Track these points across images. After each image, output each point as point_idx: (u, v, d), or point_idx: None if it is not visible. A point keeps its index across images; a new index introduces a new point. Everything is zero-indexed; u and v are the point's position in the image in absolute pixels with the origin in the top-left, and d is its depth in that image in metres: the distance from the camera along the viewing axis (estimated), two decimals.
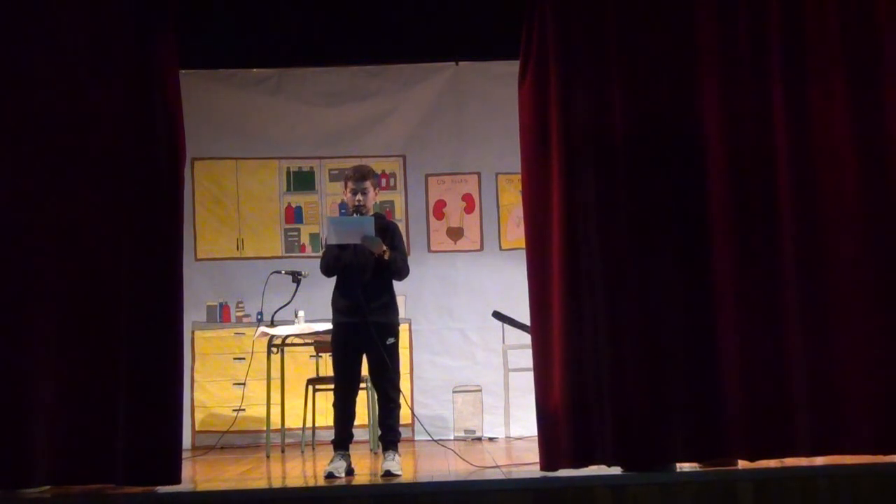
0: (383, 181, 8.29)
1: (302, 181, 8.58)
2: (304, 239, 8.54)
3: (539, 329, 4.78)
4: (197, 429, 8.06)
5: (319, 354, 7.77)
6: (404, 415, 5.76)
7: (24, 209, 4.64)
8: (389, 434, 5.43)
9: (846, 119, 4.80)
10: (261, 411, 7.51)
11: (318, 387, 7.38)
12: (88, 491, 4.57)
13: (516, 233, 8.24)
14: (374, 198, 5.62)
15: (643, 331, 4.66)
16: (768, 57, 4.82)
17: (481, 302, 8.19)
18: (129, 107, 4.75)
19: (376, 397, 5.69)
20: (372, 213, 5.62)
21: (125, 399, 4.55)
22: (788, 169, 4.76)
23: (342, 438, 5.42)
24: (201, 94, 8.14)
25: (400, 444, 5.46)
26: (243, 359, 7.90)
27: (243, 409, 7.88)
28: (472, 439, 7.89)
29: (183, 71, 4.96)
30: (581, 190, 4.75)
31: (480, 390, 8.08)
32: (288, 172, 8.58)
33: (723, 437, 4.61)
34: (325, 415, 6.87)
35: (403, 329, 7.10)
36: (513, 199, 8.35)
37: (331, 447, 5.47)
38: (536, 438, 4.75)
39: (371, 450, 6.96)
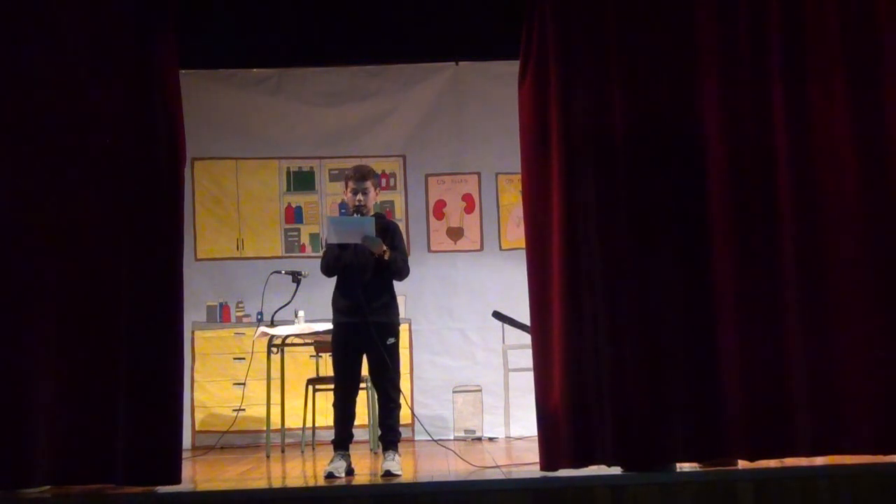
0: (383, 181, 8.29)
1: (302, 181, 8.58)
2: (304, 239, 8.54)
3: (539, 329, 4.78)
4: (197, 429, 8.07)
5: (319, 354, 7.77)
6: (404, 415, 5.76)
7: (24, 209, 4.64)
8: (389, 434, 5.43)
9: (846, 119, 4.80)
10: (261, 411, 7.51)
11: (318, 387, 7.38)
12: (88, 491, 4.57)
13: (516, 233, 8.25)
14: (374, 198, 5.62)
15: (643, 331, 4.66)
16: (768, 57, 4.82)
17: (481, 302, 8.19)
18: (129, 107, 4.75)
19: (376, 397, 5.69)
20: (372, 213, 5.62)
21: (125, 399, 4.55)
22: (788, 169, 4.75)
23: (342, 438, 5.42)
24: (201, 94, 8.14)
25: (400, 444, 5.46)
26: (243, 359, 7.90)
27: (243, 409, 7.89)
28: (472, 439, 7.89)
29: (183, 71, 4.96)
30: (581, 190, 4.75)
31: (480, 390, 8.08)
32: (288, 172, 8.58)
33: (723, 437, 4.61)
34: (325, 415, 6.87)
35: (403, 329, 7.10)
36: (513, 199, 8.35)
37: (331, 447, 5.47)
38: (536, 438, 4.75)
39: (371, 450, 6.96)
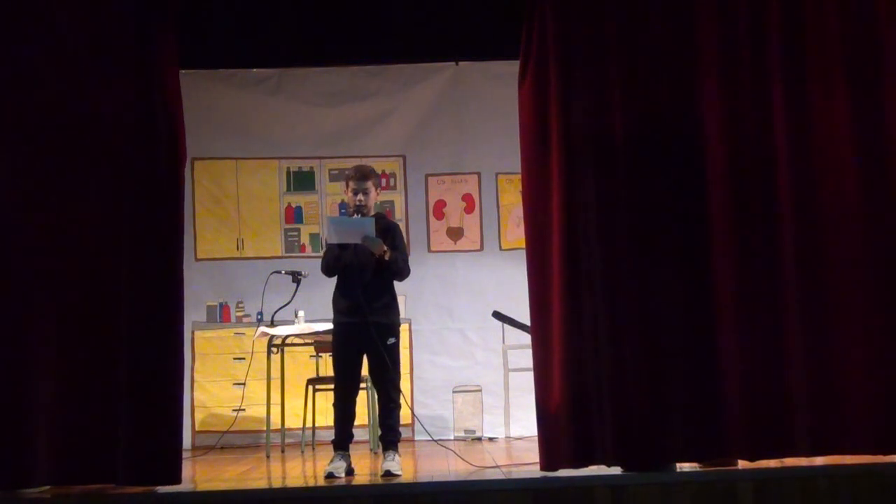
0: (383, 181, 8.29)
1: (302, 181, 8.58)
2: (304, 239, 8.54)
3: (539, 329, 4.78)
4: (197, 429, 8.06)
5: (319, 354, 7.77)
6: (404, 415, 5.76)
7: (24, 209, 4.64)
8: (390, 434, 5.43)
9: (846, 119, 4.80)
10: (261, 411, 7.51)
11: (318, 387, 7.38)
12: (88, 491, 4.57)
13: (516, 233, 8.25)
14: (375, 198, 5.62)
15: (643, 331, 4.66)
16: (768, 57, 4.82)
17: (481, 302, 8.19)
18: (129, 107, 4.75)
19: (377, 397, 5.69)
20: (373, 213, 5.62)
21: (125, 399, 4.55)
22: (788, 169, 4.75)
23: (342, 438, 5.42)
24: (201, 94, 8.14)
25: (400, 444, 5.46)
26: (243, 359, 7.89)
27: (243, 409, 7.88)
28: (472, 439, 7.89)
29: (183, 71, 4.96)
30: (581, 190, 4.75)
31: (480, 390, 8.08)
32: (288, 172, 8.58)
33: (723, 437, 4.61)
34: (325, 415, 6.87)
35: (403, 329, 7.10)
36: (513, 199, 8.35)
37: (331, 447, 5.46)
38: (536, 438, 4.75)
39: (371, 450, 6.96)
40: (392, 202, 8.53)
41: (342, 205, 8.37)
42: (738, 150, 4.77)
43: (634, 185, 4.75)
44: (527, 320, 4.99)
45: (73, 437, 4.54)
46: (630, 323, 4.67)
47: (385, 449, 5.40)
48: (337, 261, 5.52)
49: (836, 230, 4.74)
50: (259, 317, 7.80)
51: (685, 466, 4.74)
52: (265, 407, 7.14)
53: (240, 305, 8.34)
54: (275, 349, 7.27)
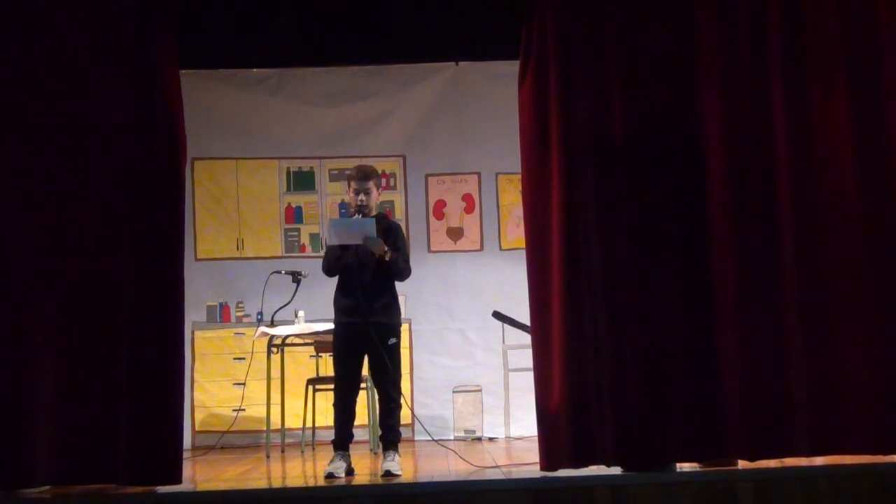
0: (383, 181, 8.29)
1: (302, 181, 8.58)
2: (304, 239, 8.54)
3: (539, 329, 4.78)
4: (197, 429, 8.06)
5: (319, 354, 7.77)
6: (404, 415, 5.76)
7: (24, 209, 4.64)
8: (390, 434, 5.43)
9: (846, 119, 4.80)
10: (261, 411, 7.51)
11: (318, 387, 7.39)
12: (88, 491, 4.57)
13: (516, 233, 8.25)
14: (376, 198, 5.63)
15: (643, 331, 4.66)
16: (768, 57, 4.82)
17: (481, 302, 8.19)
18: (129, 107, 4.75)
19: (377, 397, 5.69)
20: (375, 213, 5.63)
21: (126, 399, 4.55)
22: (788, 169, 4.75)
23: (342, 438, 5.42)
24: (201, 94, 8.14)
25: (400, 445, 5.46)
26: (243, 359, 7.90)
27: (243, 409, 7.88)
28: (472, 439, 7.89)
29: (183, 71, 4.96)
30: (581, 190, 4.75)
31: (480, 390, 8.08)
32: (288, 172, 8.58)
33: (723, 437, 4.61)
34: (325, 415, 6.87)
35: (403, 329, 7.10)
36: (513, 199, 8.35)
37: (331, 447, 5.47)
38: (536, 438, 4.75)
39: (371, 450, 6.96)
40: (392, 202, 8.53)
41: (342, 205, 8.38)
42: (738, 150, 4.77)
43: (634, 185, 4.75)
44: (527, 320, 4.99)
45: (73, 437, 4.53)
46: (630, 323, 4.67)
47: (385, 449, 5.40)
48: (338, 261, 5.52)
49: (836, 230, 4.74)
50: (259, 317, 7.80)
51: (685, 466, 4.74)
52: (265, 407, 7.14)
53: (240, 305, 8.34)
54: (275, 349, 7.28)
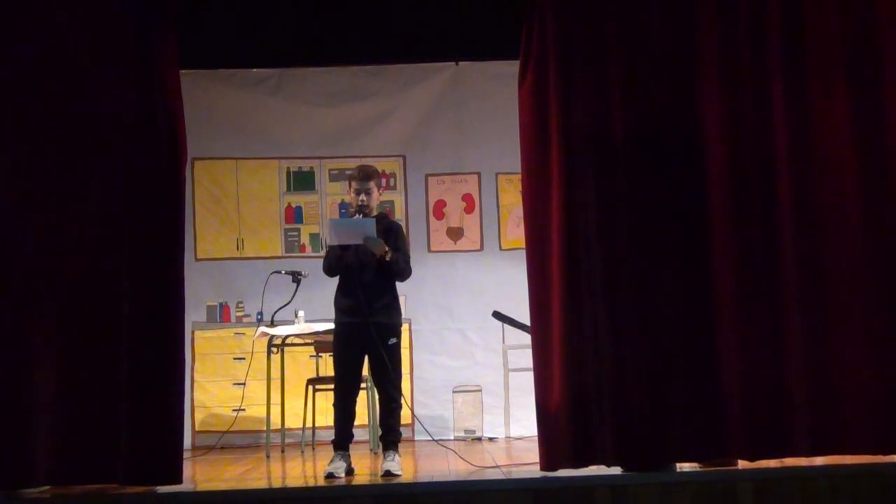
0: (383, 181, 8.29)
1: (302, 181, 8.58)
2: (304, 239, 8.54)
3: (539, 329, 4.78)
4: (197, 429, 8.06)
5: (319, 354, 7.77)
6: (404, 415, 5.76)
7: (24, 209, 4.64)
8: (390, 434, 5.43)
9: (846, 119, 4.80)
10: (261, 411, 7.51)
11: (318, 387, 7.39)
12: (88, 491, 4.57)
13: (516, 233, 8.24)
14: (377, 198, 5.63)
15: (643, 331, 4.66)
16: (768, 57, 4.81)
17: (481, 302, 8.19)
18: (129, 107, 4.75)
19: (377, 397, 5.69)
20: (375, 213, 5.63)
21: (126, 399, 4.55)
22: (788, 169, 4.75)
23: (342, 438, 5.42)
24: (201, 94, 8.14)
25: (400, 445, 5.46)
26: (243, 359, 7.90)
27: (243, 409, 7.88)
28: (472, 439, 7.89)
29: (183, 71, 4.96)
30: (581, 190, 4.75)
31: (480, 390, 8.08)
32: (288, 172, 8.58)
33: (723, 437, 4.61)
34: (325, 415, 6.87)
35: (403, 329, 7.09)
36: (513, 199, 8.35)
37: (331, 447, 5.47)
38: (536, 438, 4.75)
39: (371, 450, 6.96)
40: (392, 202, 8.53)
41: (342, 205, 8.38)
42: (738, 150, 4.77)
43: (634, 185, 4.75)
44: (527, 320, 4.99)
45: (73, 437, 4.53)
46: (630, 323, 4.67)
47: (385, 449, 5.40)
48: (339, 261, 5.52)
49: (836, 230, 4.74)
50: (259, 317, 7.80)
51: (685, 466, 4.74)
52: (265, 407, 7.14)
53: (240, 305, 8.34)
54: (275, 349, 7.28)
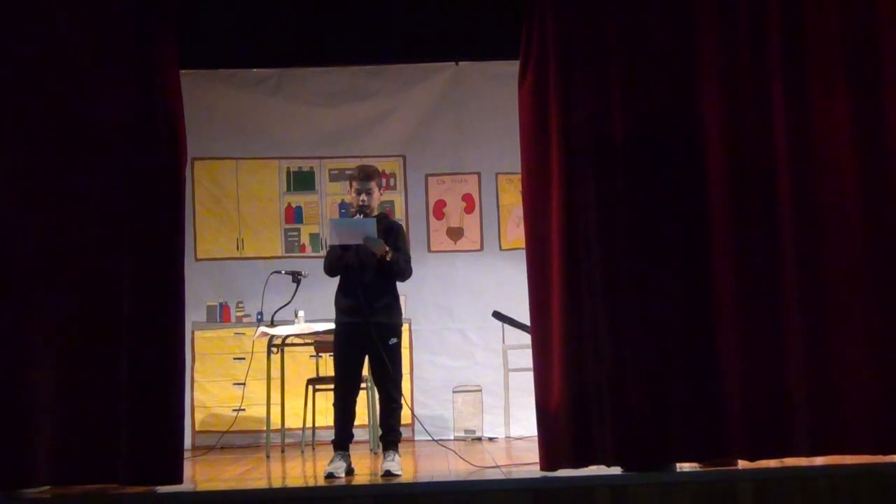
0: (383, 181, 8.29)
1: (302, 181, 8.58)
2: (304, 239, 8.54)
3: (539, 329, 4.78)
4: (197, 429, 8.06)
5: (319, 354, 7.77)
6: (404, 415, 5.75)
7: (24, 209, 4.64)
8: (390, 434, 5.43)
9: (846, 119, 4.80)
10: (261, 411, 7.51)
11: (318, 387, 7.39)
12: (88, 491, 4.57)
13: (516, 233, 8.24)
14: (378, 198, 5.63)
15: (643, 331, 4.66)
16: (768, 57, 4.81)
17: (481, 302, 8.19)
18: (129, 107, 4.75)
19: (377, 397, 5.69)
20: (376, 213, 5.63)
21: (126, 399, 4.55)
22: (788, 169, 4.75)
23: (342, 438, 5.42)
24: (201, 94, 8.14)
25: (400, 445, 5.46)
26: (243, 359, 7.90)
27: (243, 409, 7.88)
28: (472, 439, 7.89)
29: (183, 71, 4.96)
30: (581, 190, 4.75)
31: (480, 390, 8.08)
32: (288, 172, 8.58)
33: (723, 437, 4.61)
34: (325, 415, 6.87)
35: (404, 329, 7.09)
36: (513, 199, 8.35)
37: (331, 447, 5.47)
38: (536, 438, 4.75)
39: (371, 450, 6.96)
40: (392, 202, 8.53)
41: (342, 205, 8.38)
42: (738, 150, 4.77)
43: (634, 185, 4.75)
44: (527, 320, 4.99)
45: (73, 437, 4.53)
46: (630, 323, 4.67)
47: (385, 449, 5.40)
48: (339, 261, 5.53)
49: (836, 230, 4.74)
50: (259, 317, 7.80)
51: (685, 466, 4.74)
52: (265, 407, 7.14)
53: (240, 305, 8.34)
54: (275, 349, 7.28)
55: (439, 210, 8.60)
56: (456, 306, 8.42)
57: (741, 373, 4.62)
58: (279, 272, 7.46)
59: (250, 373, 7.51)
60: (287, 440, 7.47)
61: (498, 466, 5.34)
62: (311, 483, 5.23)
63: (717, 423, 4.60)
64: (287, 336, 7.27)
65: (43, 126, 4.69)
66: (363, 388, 5.98)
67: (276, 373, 7.23)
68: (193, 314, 8.03)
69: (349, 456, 5.40)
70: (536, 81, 4.87)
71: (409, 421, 7.27)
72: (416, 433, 7.65)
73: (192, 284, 7.45)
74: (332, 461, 5.31)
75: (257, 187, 8.54)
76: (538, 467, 4.69)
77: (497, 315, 7.77)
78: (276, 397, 7.23)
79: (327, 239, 5.77)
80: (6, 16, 4.73)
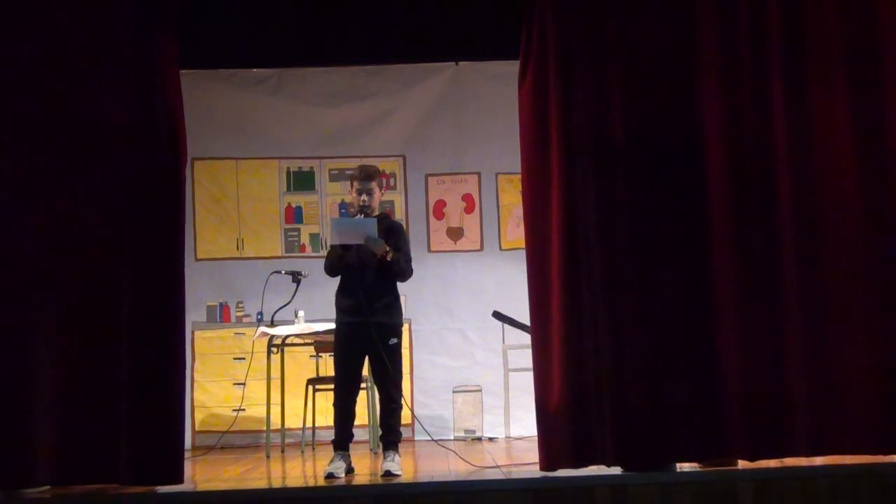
0: (383, 181, 8.29)
1: (302, 181, 8.58)
2: (304, 239, 8.54)
3: (539, 329, 4.78)
4: (197, 429, 8.06)
5: (319, 354, 7.77)
6: (404, 415, 5.76)
7: (24, 209, 4.64)
8: (390, 434, 5.43)
9: (846, 119, 4.80)
10: (261, 411, 7.51)
11: (318, 387, 7.39)
12: (88, 491, 4.57)
13: (516, 233, 8.24)
14: (379, 198, 5.64)
15: (643, 331, 4.66)
16: (768, 57, 4.82)
17: (481, 302, 8.19)
18: (129, 107, 4.75)
19: (377, 397, 5.69)
20: (377, 213, 5.63)
21: (126, 399, 4.55)
22: (788, 168, 4.76)
23: (342, 438, 5.42)
24: (201, 94, 8.14)
25: (400, 445, 5.46)
26: (243, 359, 7.90)
27: (243, 409, 7.88)
28: (472, 439, 7.88)
29: (183, 71, 4.96)
30: (581, 190, 4.76)
31: (480, 390, 8.08)
32: (288, 172, 8.58)
33: (723, 437, 4.61)
34: (325, 415, 6.86)
35: (404, 329, 7.08)
36: (513, 199, 8.34)
37: (331, 447, 5.47)
38: (536, 438, 4.75)
39: (371, 450, 6.96)
40: (392, 202, 8.53)
41: (342, 205, 8.38)
42: (738, 150, 4.77)
43: (634, 185, 4.75)
44: (527, 320, 4.99)
45: (73, 437, 4.53)
46: (630, 323, 4.67)
47: (385, 449, 5.40)
48: (339, 261, 5.53)
49: (836, 230, 4.74)
50: (259, 317, 7.80)
51: (685, 466, 4.74)
52: (265, 407, 7.14)
53: (240, 305, 8.34)
54: (275, 349, 7.28)
55: (439, 210, 8.60)
56: (456, 306, 8.42)
57: (741, 373, 4.62)
58: (279, 272, 7.46)
59: (250, 373, 7.51)
60: (287, 440, 7.47)
61: (498, 466, 5.34)
62: (311, 483, 5.23)
63: (717, 423, 4.61)
64: (287, 336, 7.27)
65: (43, 126, 4.70)
66: (363, 388, 5.98)
67: (276, 373, 7.23)
68: (193, 314, 8.03)
69: (349, 456, 5.40)
70: (536, 81, 4.87)
71: (409, 421, 7.27)
72: (416, 433, 7.65)
73: (192, 284, 7.44)
74: (332, 461, 5.31)
75: (257, 187, 8.54)
76: (538, 467, 4.69)
77: (497, 315, 7.77)
78: (276, 397, 7.23)
79: (327, 239, 5.75)
80: (6, 16, 4.73)
